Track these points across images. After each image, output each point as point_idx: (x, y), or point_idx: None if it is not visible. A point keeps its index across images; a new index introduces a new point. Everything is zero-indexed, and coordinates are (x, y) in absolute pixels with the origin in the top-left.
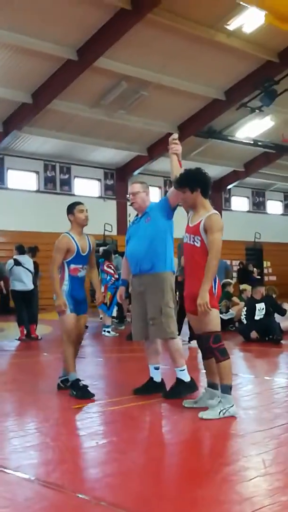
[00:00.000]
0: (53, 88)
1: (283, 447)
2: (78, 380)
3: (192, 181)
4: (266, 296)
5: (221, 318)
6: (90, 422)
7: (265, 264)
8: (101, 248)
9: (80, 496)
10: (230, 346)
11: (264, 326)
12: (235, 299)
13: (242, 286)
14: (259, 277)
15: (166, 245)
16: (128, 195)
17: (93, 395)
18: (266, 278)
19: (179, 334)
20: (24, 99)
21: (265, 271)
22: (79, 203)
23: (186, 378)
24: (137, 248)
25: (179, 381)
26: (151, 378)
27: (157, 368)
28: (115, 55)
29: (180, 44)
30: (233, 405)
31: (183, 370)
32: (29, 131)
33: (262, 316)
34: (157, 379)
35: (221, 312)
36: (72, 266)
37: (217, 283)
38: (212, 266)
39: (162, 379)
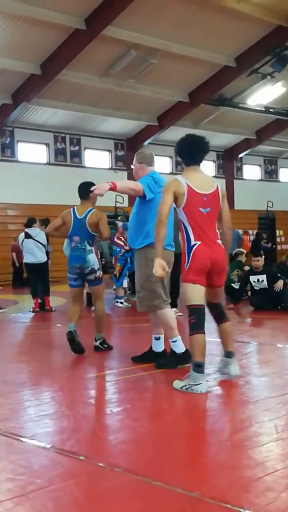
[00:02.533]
0: (61, 59)
1: None
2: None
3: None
4: (280, 264)
5: (233, 287)
6: (104, 390)
7: (278, 233)
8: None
9: (95, 462)
10: (242, 315)
11: (271, 295)
12: (247, 268)
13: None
14: (269, 245)
15: (147, 220)
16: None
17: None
18: (279, 247)
19: (175, 306)
20: (33, 70)
21: (278, 239)
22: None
23: (179, 349)
24: (129, 225)
25: (171, 352)
26: (151, 348)
27: (157, 338)
28: (123, 23)
29: (189, 11)
30: (199, 384)
31: (175, 341)
32: (38, 102)
33: (263, 287)
34: (157, 349)
35: (233, 282)
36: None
37: (190, 257)
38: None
39: (164, 350)
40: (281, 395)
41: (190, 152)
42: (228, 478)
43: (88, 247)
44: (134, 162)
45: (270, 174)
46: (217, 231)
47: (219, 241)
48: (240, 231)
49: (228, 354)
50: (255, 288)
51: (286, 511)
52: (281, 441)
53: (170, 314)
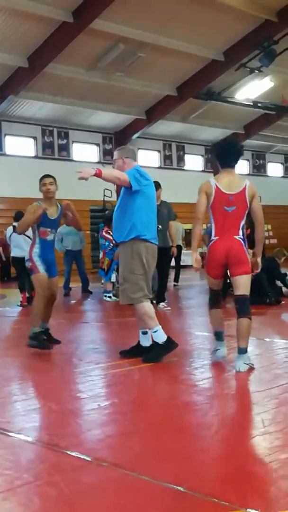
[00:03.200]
0: (49, 51)
1: (282, 407)
2: (40, 333)
3: None
4: (268, 259)
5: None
6: (92, 385)
7: (265, 227)
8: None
9: (82, 456)
10: (229, 310)
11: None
12: None
13: None
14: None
15: (133, 213)
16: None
17: (51, 347)
18: (267, 241)
19: (162, 301)
20: (20, 63)
21: (266, 234)
22: (43, 177)
23: (160, 339)
24: (114, 218)
25: (155, 344)
26: (138, 342)
27: (144, 333)
28: (111, 17)
29: (178, 4)
30: (217, 350)
31: (156, 331)
32: (25, 95)
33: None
34: (145, 343)
35: None
36: (41, 229)
37: (208, 251)
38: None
39: (152, 344)
40: (268, 389)
41: (223, 156)
42: (215, 472)
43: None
44: (116, 157)
45: (258, 168)
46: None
47: (238, 237)
48: None
49: (239, 350)
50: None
51: (272, 504)
52: (268, 435)
53: (148, 306)
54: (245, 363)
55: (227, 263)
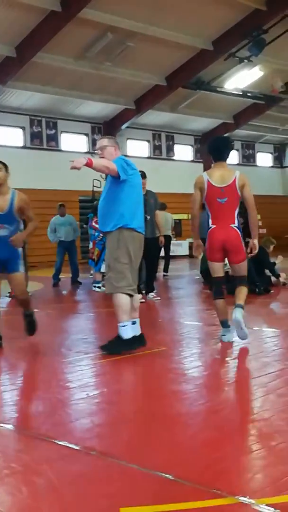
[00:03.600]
0: (37, 41)
1: (270, 395)
2: None
3: None
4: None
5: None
6: (81, 374)
7: None
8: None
9: (70, 446)
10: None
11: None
12: None
13: None
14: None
15: (120, 202)
16: (96, 150)
17: None
18: None
19: (151, 291)
20: (8, 53)
21: None
22: None
23: (124, 335)
24: (100, 208)
25: (117, 336)
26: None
27: (133, 323)
28: (100, 6)
29: None
30: (223, 335)
31: (123, 326)
32: (13, 85)
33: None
34: (135, 332)
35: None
36: None
37: (207, 237)
38: None
39: (141, 334)
40: (256, 377)
41: (215, 151)
42: (203, 459)
43: None
44: (107, 144)
45: (248, 158)
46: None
47: (234, 225)
48: None
49: (236, 305)
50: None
51: (260, 491)
52: (256, 423)
53: (126, 299)
54: (241, 313)
55: (225, 249)
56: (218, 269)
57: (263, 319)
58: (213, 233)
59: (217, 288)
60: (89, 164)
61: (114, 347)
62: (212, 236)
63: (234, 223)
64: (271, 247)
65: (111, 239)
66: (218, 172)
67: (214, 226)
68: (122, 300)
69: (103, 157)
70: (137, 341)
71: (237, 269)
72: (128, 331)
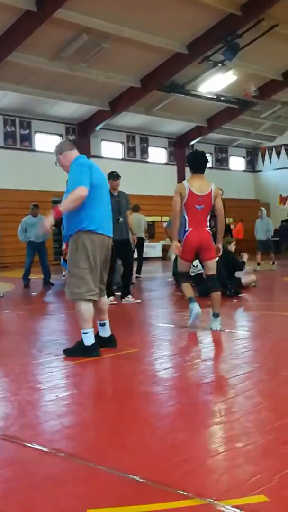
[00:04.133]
0: (12, 40)
1: (238, 397)
2: None
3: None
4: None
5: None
6: (51, 376)
7: (227, 220)
8: None
9: (39, 447)
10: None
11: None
12: None
13: None
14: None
15: (82, 206)
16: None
17: None
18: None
19: (127, 294)
20: None
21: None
22: None
23: (87, 341)
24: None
25: (80, 341)
26: (97, 333)
27: (102, 324)
28: (75, 6)
29: None
30: (192, 310)
31: (86, 333)
32: None
33: (199, 271)
34: (103, 334)
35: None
36: None
37: (183, 238)
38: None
39: (111, 335)
40: (226, 379)
41: (194, 164)
42: (171, 461)
43: None
44: (56, 160)
45: (221, 162)
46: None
47: (207, 228)
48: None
49: (213, 314)
50: (191, 273)
51: (226, 492)
52: (224, 424)
53: (86, 306)
54: (219, 324)
55: (199, 249)
56: (187, 267)
57: (233, 320)
58: (191, 236)
59: (184, 275)
60: (58, 213)
61: (76, 353)
62: (189, 239)
63: (207, 227)
64: (232, 245)
65: (71, 244)
66: (197, 182)
67: (191, 229)
68: (83, 306)
69: (63, 165)
70: (109, 342)
71: (210, 265)
72: (90, 338)
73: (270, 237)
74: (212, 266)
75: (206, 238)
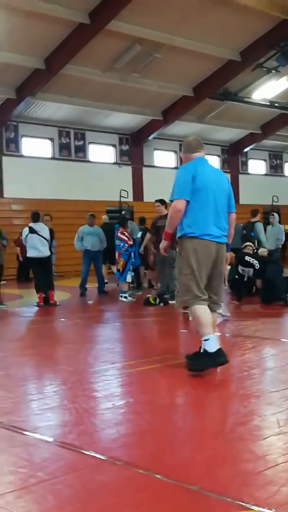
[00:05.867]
0: (65, 53)
1: None
2: None
3: None
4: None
5: (237, 279)
6: (107, 384)
7: (282, 227)
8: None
9: (96, 455)
10: (247, 309)
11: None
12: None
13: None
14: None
15: (185, 211)
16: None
17: None
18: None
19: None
20: (37, 65)
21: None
22: None
23: (209, 348)
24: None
25: (203, 351)
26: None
27: (206, 339)
28: (127, 18)
29: (194, 4)
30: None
31: (207, 339)
32: (42, 97)
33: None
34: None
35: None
36: None
37: None
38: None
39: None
40: (283, 389)
41: None
42: (229, 471)
43: None
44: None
45: (275, 168)
46: None
47: None
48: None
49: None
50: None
51: (286, 504)
52: (283, 435)
53: (202, 310)
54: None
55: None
56: None
57: None
58: None
59: None
60: (168, 235)
61: (203, 364)
62: None
63: None
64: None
65: (178, 251)
66: None
67: None
68: (197, 312)
69: None
70: (222, 356)
71: None
72: (212, 344)
73: (280, 246)
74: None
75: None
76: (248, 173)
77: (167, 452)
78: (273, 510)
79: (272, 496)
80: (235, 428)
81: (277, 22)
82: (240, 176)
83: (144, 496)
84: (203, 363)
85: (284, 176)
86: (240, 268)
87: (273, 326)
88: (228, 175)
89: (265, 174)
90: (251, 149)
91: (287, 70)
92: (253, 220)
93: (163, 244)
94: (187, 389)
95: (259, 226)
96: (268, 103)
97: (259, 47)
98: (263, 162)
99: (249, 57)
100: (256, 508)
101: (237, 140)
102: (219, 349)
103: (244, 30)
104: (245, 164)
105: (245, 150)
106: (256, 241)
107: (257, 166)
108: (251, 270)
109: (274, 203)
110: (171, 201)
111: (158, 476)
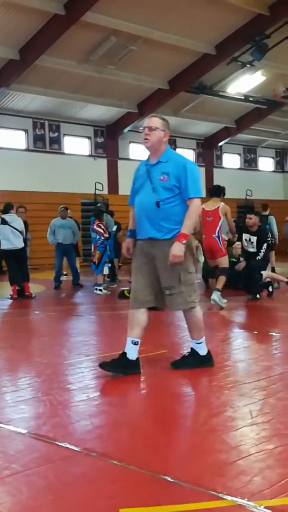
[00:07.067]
0: (40, 44)
1: (269, 398)
2: None
3: None
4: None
5: (234, 262)
6: (81, 377)
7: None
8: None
9: (70, 447)
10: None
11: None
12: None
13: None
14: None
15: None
16: (140, 128)
17: None
18: None
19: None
20: (11, 55)
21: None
22: None
23: (202, 351)
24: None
25: (193, 352)
26: (123, 354)
27: (135, 343)
28: (103, 9)
29: None
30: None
31: (200, 343)
32: (17, 88)
33: (252, 250)
34: (132, 355)
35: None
36: None
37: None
38: None
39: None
40: (256, 380)
41: (214, 193)
42: (202, 462)
43: None
44: (153, 124)
45: (249, 163)
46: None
47: (214, 235)
48: None
49: (215, 289)
50: (245, 248)
51: (258, 494)
52: (255, 426)
53: (200, 314)
54: (216, 296)
55: (210, 250)
56: (212, 262)
57: (264, 322)
58: (204, 242)
59: (212, 272)
60: (186, 237)
61: (193, 365)
62: (203, 244)
63: (215, 234)
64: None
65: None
66: (209, 202)
67: (204, 236)
68: (199, 315)
69: (147, 139)
70: (211, 359)
71: (219, 262)
72: (204, 347)
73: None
74: (221, 262)
75: (212, 244)
76: (223, 167)
77: (141, 443)
78: (246, 499)
79: (245, 486)
80: (208, 419)
81: (252, 16)
82: (215, 170)
83: (118, 487)
84: (194, 365)
85: (258, 170)
86: (246, 236)
87: (247, 318)
88: (203, 169)
89: (239, 168)
90: (225, 143)
91: (261, 64)
92: (265, 213)
93: (181, 248)
94: (160, 381)
95: (273, 220)
96: (243, 97)
97: (234, 41)
98: (237, 156)
99: (224, 51)
100: (229, 497)
101: (212, 134)
102: (208, 352)
103: (219, 24)
104: (219, 158)
105: (220, 144)
106: (270, 233)
107: (231, 160)
108: (254, 243)
109: (248, 197)
110: (190, 198)
111: (132, 467)
